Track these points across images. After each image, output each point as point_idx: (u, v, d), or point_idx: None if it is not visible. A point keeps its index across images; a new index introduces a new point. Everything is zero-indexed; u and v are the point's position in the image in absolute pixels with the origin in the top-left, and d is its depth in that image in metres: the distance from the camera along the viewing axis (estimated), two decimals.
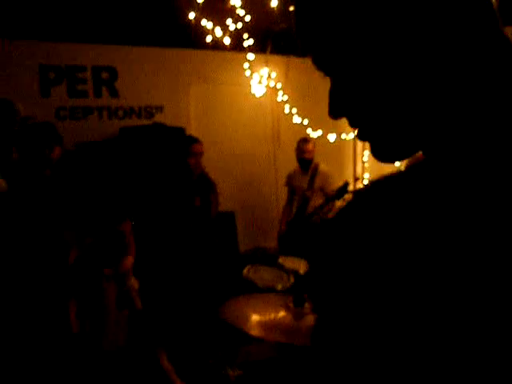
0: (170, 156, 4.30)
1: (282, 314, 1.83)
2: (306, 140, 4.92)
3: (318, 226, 4.79)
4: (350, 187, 5.45)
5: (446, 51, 0.49)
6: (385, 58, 0.50)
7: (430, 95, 0.51)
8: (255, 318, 1.82)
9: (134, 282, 2.88)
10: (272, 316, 1.83)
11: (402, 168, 0.62)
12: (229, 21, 3.82)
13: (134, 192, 3.74)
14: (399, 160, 0.57)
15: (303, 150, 4.88)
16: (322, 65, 0.58)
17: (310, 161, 4.88)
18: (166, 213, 3.85)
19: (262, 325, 1.77)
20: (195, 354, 2.77)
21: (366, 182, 5.90)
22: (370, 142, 0.57)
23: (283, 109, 5.31)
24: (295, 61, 5.19)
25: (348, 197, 4.55)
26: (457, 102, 0.51)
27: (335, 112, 0.57)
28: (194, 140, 4.46)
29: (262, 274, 2.88)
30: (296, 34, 0.57)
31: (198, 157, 4.38)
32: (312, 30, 0.55)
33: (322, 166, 4.87)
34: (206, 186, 4.52)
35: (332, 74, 0.58)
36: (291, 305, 1.82)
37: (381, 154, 0.56)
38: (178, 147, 4.28)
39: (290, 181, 5.07)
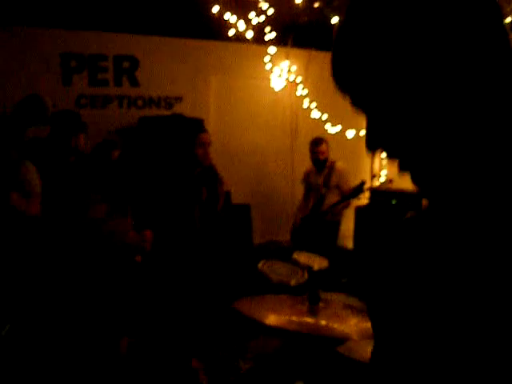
0: (183, 146, 4.22)
1: (296, 308, 1.84)
2: (318, 141, 4.86)
3: (333, 224, 4.80)
4: (367, 185, 5.44)
5: (465, 92, 0.53)
6: (414, 98, 0.55)
7: (449, 132, 0.55)
8: (270, 310, 1.83)
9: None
10: (287, 310, 1.84)
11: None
12: (252, 14, 3.81)
13: (144, 181, 3.75)
14: (435, 187, 0.60)
15: (316, 151, 4.85)
16: (359, 103, 0.63)
17: (325, 161, 4.85)
18: (174, 203, 3.84)
19: (277, 316, 1.79)
20: (207, 346, 2.79)
21: (382, 179, 5.86)
22: (409, 172, 0.61)
23: (302, 103, 5.29)
24: (316, 55, 5.16)
25: (363, 195, 4.55)
26: (475, 147, 0.54)
27: (372, 145, 0.62)
28: (201, 129, 4.22)
29: (276, 269, 2.89)
30: (334, 76, 0.63)
31: (206, 147, 4.09)
32: (351, 74, 0.59)
33: (339, 164, 4.85)
34: (212, 178, 4.40)
35: (368, 112, 0.62)
36: (306, 302, 1.83)
37: (419, 182, 0.61)
38: (186, 136, 4.14)
39: (306, 178, 5.07)
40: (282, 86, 5.20)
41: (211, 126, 4.79)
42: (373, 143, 0.62)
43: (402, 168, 0.60)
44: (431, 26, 0.52)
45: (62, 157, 2.94)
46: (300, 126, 5.58)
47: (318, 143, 4.84)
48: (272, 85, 5.17)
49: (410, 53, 0.53)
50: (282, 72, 5.09)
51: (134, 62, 5.05)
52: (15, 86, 4.19)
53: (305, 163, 5.09)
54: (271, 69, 5.00)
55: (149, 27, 4.77)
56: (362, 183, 4.30)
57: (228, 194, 5.22)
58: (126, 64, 5.03)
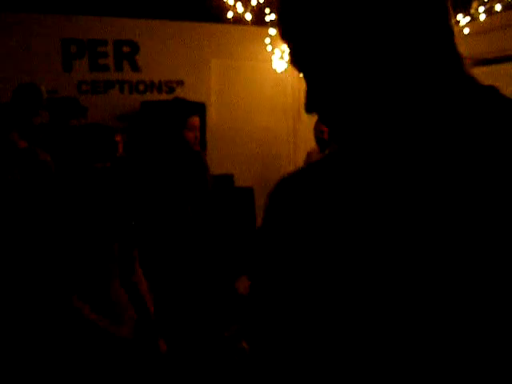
0: (173, 131, 4.08)
1: None
2: None
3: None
4: None
5: (393, 59, 0.54)
6: (346, 63, 0.56)
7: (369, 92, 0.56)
8: None
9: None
10: None
11: None
12: None
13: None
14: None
15: (322, 130, 4.83)
16: (297, 62, 0.66)
17: (330, 141, 4.83)
18: (168, 199, 3.79)
19: None
20: (211, 327, 2.83)
21: None
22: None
23: (304, 85, 5.26)
24: None
25: None
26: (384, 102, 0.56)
27: (309, 108, 0.66)
28: (193, 112, 3.99)
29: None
30: (279, 23, 0.65)
31: (196, 131, 3.91)
32: (292, 28, 0.62)
33: None
34: (200, 166, 4.27)
35: (305, 73, 0.66)
36: None
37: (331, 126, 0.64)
38: (176, 119, 4.03)
39: (308, 159, 5.05)
40: (284, 68, 5.16)
41: (213, 109, 4.79)
42: (309, 106, 0.66)
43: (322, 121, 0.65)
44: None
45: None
46: (302, 107, 5.56)
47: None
48: (274, 66, 5.14)
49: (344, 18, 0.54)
50: (284, 54, 5.05)
51: (134, 47, 5.03)
52: (16, 73, 4.18)
53: (308, 145, 5.08)
54: (272, 50, 4.95)
55: (148, 11, 4.74)
56: None
57: (231, 177, 5.23)
58: (126, 49, 5.01)
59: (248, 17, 3.95)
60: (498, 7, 3.75)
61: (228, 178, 5.14)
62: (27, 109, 2.98)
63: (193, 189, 3.88)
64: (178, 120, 3.83)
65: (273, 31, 4.66)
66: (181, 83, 5.21)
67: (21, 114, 2.84)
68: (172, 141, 3.84)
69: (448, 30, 0.55)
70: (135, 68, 5.05)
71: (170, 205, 3.59)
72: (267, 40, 4.87)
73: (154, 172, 3.72)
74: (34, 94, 3.07)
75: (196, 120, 3.95)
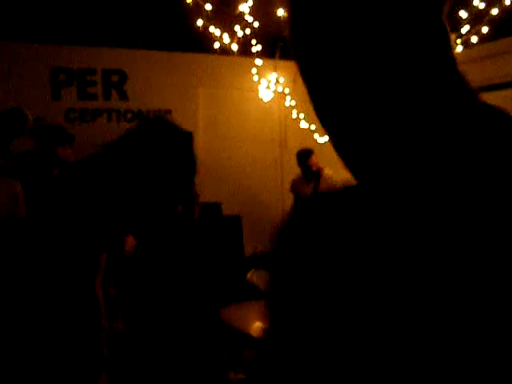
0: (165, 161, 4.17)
1: None
2: (306, 154, 4.82)
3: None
4: None
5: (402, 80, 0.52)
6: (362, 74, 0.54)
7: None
8: (255, 319, 1.84)
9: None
10: None
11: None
12: (237, 27, 3.86)
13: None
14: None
15: (309, 164, 4.82)
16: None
17: (317, 172, 4.84)
18: (152, 217, 3.80)
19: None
20: (197, 355, 2.79)
21: None
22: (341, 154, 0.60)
23: (291, 114, 5.34)
24: None
25: None
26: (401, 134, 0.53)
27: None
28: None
29: (265, 279, 2.89)
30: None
31: None
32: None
33: (326, 171, 4.85)
34: (188, 193, 4.33)
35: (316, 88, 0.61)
36: None
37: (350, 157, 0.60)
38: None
39: (294, 187, 5.09)
40: (271, 98, 5.25)
41: (200, 138, 4.83)
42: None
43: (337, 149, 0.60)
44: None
45: (46, 169, 2.96)
46: (289, 136, 5.63)
47: (307, 155, 4.82)
48: (260, 96, 5.22)
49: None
50: (270, 83, 5.14)
51: (123, 76, 5.09)
52: (4, 100, 4.20)
53: (294, 173, 5.12)
54: (259, 80, 5.04)
55: (136, 41, 4.81)
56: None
57: (219, 205, 5.24)
58: (114, 78, 5.07)
59: (234, 47, 4.03)
60: (474, 39, 3.88)
61: (216, 207, 5.15)
62: (10, 132, 2.99)
63: (178, 215, 3.89)
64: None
65: (259, 61, 4.75)
66: (168, 112, 5.26)
67: (2, 138, 2.85)
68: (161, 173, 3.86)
69: (451, 59, 0.55)
70: (123, 97, 5.10)
71: (156, 230, 3.58)
72: (254, 70, 4.96)
73: (139, 194, 3.72)
74: (18, 118, 3.08)
75: None
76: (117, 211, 1.81)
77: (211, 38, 3.96)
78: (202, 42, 4.11)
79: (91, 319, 1.77)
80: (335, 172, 5.01)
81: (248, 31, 3.89)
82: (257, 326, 1.85)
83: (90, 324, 1.77)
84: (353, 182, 0.66)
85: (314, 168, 4.82)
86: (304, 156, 4.83)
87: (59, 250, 1.76)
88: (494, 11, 3.54)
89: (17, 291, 1.84)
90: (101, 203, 1.78)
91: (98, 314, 1.78)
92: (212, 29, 3.78)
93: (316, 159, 4.83)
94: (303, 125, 5.37)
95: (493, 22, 3.70)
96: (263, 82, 5.10)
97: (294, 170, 5.13)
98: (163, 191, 1.99)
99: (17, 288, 1.85)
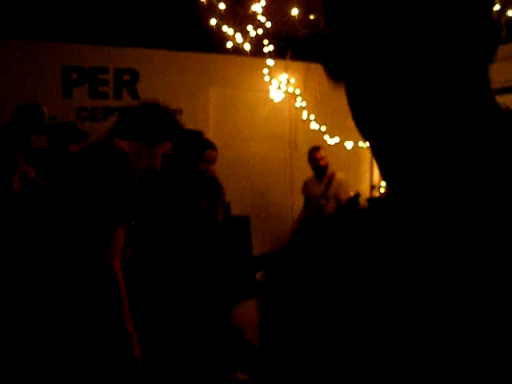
0: (183, 158, 4.25)
1: None
2: (315, 148, 4.89)
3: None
4: (367, 195, 5.45)
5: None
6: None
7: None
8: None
9: None
10: None
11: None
12: (249, 27, 3.86)
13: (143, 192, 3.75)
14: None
15: (317, 158, 4.87)
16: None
17: (325, 167, 4.87)
18: (172, 214, 3.84)
19: None
20: (204, 355, 2.79)
21: (382, 190, 5.88)
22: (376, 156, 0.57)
23: (301, 115, 5.33)
24: (314, 67, 5.19)
25: (360, 206, 4.55)
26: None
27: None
28: (210, 145, 4.27)
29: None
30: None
31: (209, 163, 4.17)
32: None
33: (339, 174, 4.87)
34: (214, 190, 4.42)
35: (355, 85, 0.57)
36: None
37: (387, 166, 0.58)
38: (192, 150, 4.21)
39: (305, 188, 5.08)
40: (281, 98, 5.24)
41: (211, 137, 4.82)
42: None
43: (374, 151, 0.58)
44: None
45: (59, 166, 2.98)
46: (299, 137, 5.62)
47: (316, 150, 4.87)
48: (271, 96, 5.21)
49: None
50: (281, 84, 5.13)
51: (134, 75, 5.10)
52: (16, 99, 4.23)
53: (304, 174, 5.11)
54: (270, 81, 5.04)
55: (148, 41, 4.83)
56: (357, 195, 4.32)
57: (227, 205, 5.24)
58: (126, 77, 5.08)
59: (247, 47, 4.03)
60: None
61: (224, 207, 5.14)
62: (27, 127, 3.01)
63: (199, 214, 3.92)
64: (195, 151, 3.98)
65: (271, 62, 4.75)
66: (179, 111, 5.26)
67: (21, 132, 2.87)
68: (185, 169, 3.97)
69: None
70: (135, 96, 5.11)
71: (172, 229, 3.60)
72: (265, 70, 4.96)
73: (162, 196, 3.77)
74: (35, 113, 3.10)
75: (212, 154, 4.17)
76: (126, 188, 1.75)
77: (224, 38, 3.96)
78: (214, 42, 4.11)
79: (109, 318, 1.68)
80: (346, 174, 5.01)
81: (260, 31, 3.88)
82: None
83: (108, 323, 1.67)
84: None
85: (322, 162, 4.84)
86: (313, 149, 4.88)
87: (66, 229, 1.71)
88: (510, 12, 3.50)
89: (23, 279, 1.81)
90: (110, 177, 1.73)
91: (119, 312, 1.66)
92: (225, 28, 3.78)
93: (325, 154, 4.86)
94: (313, 126, 5.36)
95: (509, 24, 3.65)
96: (274, 82, 5.10)
97: (303, 171, 5.12)
98: (187, 178, 1.96)
99: (23, 276, 1.82)
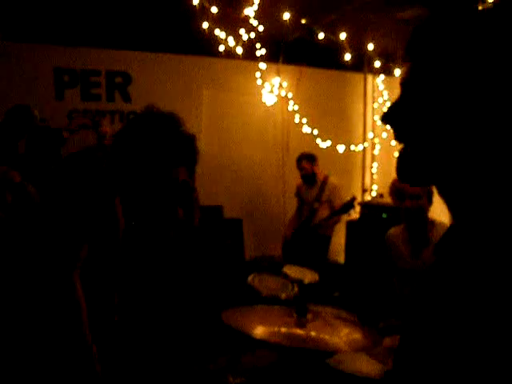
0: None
1: (285, 320, 1.84)
2: (299, 159, 4.92)
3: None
4: (358, 199, 5.47)
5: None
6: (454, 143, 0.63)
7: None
8: (258, 322, 1.84)
9: None
10: (275, 322, 1.84)
11: None
12: (242, 30, 3.87)
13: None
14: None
15: (300, 168, 4.92)
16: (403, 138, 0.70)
17: (312, 176, 4.88)
18: (151, 229, 3.79)
19: (265, 329, 1.79)
20: (196, 358, 2.78)
21: (373, 193, 5.90)
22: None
23: (293, 118, 5.35)
24: (307, 71, 5.23)
25: (354, 211, 4.57)
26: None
27: (403, 176, 0.69)
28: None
29: (266, 283, 2.89)
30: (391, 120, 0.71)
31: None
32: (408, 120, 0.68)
33: (332, 179, 4.89)
34: (187, 194, 4.35)
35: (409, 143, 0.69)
36: (294, 314, 1.84)
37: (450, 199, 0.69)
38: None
39: (299, 192, 5.10)
40: (274, 102, 5.26)
41: (203, 140, 4.82)
42: (404, 173, 0.69)
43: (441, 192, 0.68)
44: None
45: (44, 166, 2.96)
46: (291, 140, 5.63)
47: (300, 159, 4.91)
48: (263, 100, 5.22)
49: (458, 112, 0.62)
50: (273, 87, 5.15)
51: (127, 78, 5.09)
52: (8, 101, 4.20)
53: (296, 178, 5.12)
54: (262, 84, 5.05)
55: (141, 43, 4.82)
56: (353, 199, 4.33)
57: (220, 208, 5.24)
58: (118, 79, 5.07)
59: (239, 51, 4.04)
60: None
61: (217, 210, 5.14)
62: (18, 129, 2.98)
63: (176, 220, 3.87)
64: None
65: (263, 65, 4.76)
66: None
67: (11, 135, 2.84)
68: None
69: None
70: (127, 98, 5.10)
71: (151, 234, 3.57)
72: (257, 74, 4.97)
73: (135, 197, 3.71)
74: (26, 115, 3.08)
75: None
76: (98, 200, 1.73)
77: (216, 41, 3.97)
78: (207, 45, 4.11)
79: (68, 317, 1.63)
80: (338, 177, 5.03)
81: (253, 35, 3.89)
82: (256, 326, 1.84)
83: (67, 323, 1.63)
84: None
85: (304, 172, 4.87)
86: (298, 159, 4.93)
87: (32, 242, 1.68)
88: None
89: None
90: (78, 191, 1.70)
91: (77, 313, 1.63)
92: (217, 32, 3.79)
93: (308, 164, 4.88)
94: (305, 129, 5.38)
95: None
96: (266, 85, 5.11)
97: (295, 174, 5.13)
98: (161, 188, 1.92)
99: None
